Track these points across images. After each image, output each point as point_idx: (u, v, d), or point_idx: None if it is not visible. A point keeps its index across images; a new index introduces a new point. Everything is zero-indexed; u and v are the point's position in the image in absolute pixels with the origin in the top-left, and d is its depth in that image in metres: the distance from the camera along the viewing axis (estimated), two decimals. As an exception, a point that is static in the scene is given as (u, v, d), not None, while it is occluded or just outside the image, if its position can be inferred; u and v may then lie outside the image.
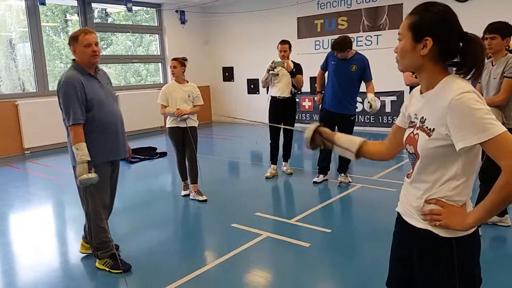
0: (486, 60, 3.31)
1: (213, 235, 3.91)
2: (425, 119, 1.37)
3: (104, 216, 3.11)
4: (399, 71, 1.52)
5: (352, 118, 4.98)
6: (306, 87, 9.11)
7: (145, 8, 10.39)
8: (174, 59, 4.58)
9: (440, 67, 1.37)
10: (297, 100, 6.33)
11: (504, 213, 3.64)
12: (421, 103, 1.41)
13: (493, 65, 3.43)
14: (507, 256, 3.23)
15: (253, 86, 10.63)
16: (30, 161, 7.29)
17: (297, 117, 6.01)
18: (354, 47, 5.13)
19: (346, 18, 8.96)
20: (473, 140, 1.23)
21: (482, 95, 2.94)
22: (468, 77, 1.36)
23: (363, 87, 4.94)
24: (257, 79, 8.92)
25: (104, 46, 10.12)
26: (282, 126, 5.25)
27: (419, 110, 1.42)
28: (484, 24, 3.40)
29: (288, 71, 5.17)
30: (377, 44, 8.57)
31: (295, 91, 5.48)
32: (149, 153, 7.14)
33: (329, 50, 5.00)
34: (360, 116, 8.60)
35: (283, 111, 5.39)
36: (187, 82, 4.66)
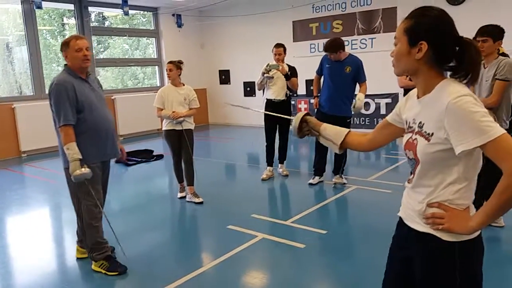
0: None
1: (209, 237, 3.93)
2: (423, 123, 1.36)
3: (99, 216, 3.13)
4: (394, 73, 1.52)
5: (348, 121, 5.02)
6: (302, 90, 9.18)
7: (141, 12, 10.43)
8: (170, 62, 4.61)
9: (436, 71, 1.36)
10: (292, 102, 6.36)
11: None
12: (419, 108, 1.41)
13: (484, 68, 3.47)
14: (501, 257, 3.25)
15: (249, 89, 10.68)
16: (27, 164, 7.30)
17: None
18: (349, 50, 5.18)
19: (341, 21, 9.03)
20: (472, 143, 1.22)
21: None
22: (465, 81, 1.35)
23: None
24: (254, 82, 8.96)
25: (101, 50, 10.15)
26: (283, 115, 5.25)
27: (417, 115, 1.41)
28: (477, 27, 3.45)
29: (283, 74, 5.22)
30: (372, 47, 8.65)
31: (290, 93, 5.53)
32: (146, 156, 7.16)
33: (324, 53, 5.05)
34: (355, 118, 8.65)
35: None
36: (183, 85, 4.68)
